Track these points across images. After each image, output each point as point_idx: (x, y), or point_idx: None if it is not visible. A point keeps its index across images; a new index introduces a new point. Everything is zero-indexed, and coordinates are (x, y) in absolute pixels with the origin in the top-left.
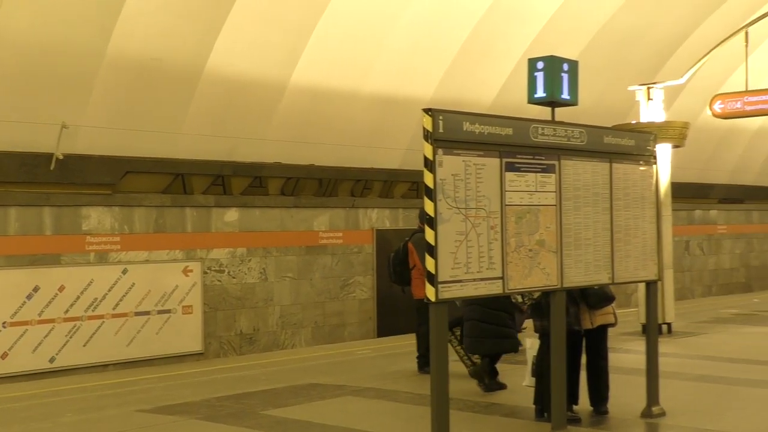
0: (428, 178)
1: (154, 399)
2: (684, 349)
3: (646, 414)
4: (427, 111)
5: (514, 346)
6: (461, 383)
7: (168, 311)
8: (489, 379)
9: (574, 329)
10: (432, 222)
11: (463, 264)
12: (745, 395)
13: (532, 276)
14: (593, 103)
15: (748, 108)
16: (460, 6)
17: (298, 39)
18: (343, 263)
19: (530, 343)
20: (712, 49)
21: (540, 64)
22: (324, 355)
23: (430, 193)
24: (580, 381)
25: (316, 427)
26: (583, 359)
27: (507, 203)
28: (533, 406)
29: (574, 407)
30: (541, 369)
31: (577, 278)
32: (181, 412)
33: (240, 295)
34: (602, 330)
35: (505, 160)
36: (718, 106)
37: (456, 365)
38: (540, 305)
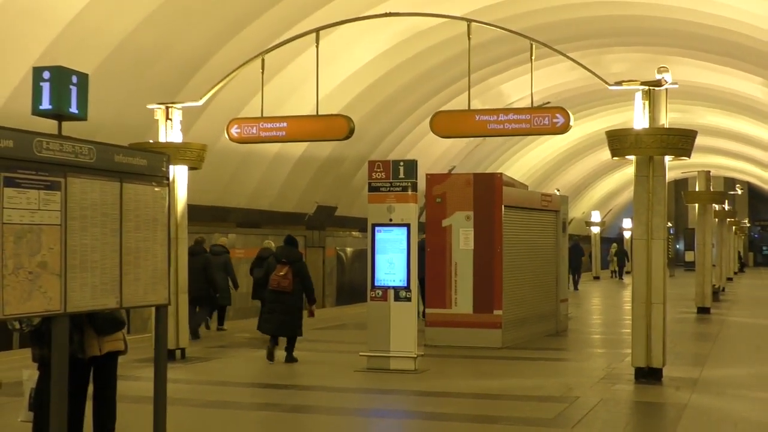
0: None
1: None
2: (196, 375)
3: None
4: None
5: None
6: None
7: None
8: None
9: (77, 357)
10: None
11: None
12: (249, 418)
13: (32, 300)
14: (114, 120)
15: (263, 134)
16: None
17: None
18: None
19: (27, 374)
20: (230, 74)
21: (46, 74)
22: None
23: None
24: (84, 412)
25: None
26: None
27: (5, 221)
28: None
29: None
30: (40, 401)
31: (82, 302)
32: None
33: None
34: (111, 357)
35: (4, 174)
36: (235, 131)
37: None
38: (40, 332)
